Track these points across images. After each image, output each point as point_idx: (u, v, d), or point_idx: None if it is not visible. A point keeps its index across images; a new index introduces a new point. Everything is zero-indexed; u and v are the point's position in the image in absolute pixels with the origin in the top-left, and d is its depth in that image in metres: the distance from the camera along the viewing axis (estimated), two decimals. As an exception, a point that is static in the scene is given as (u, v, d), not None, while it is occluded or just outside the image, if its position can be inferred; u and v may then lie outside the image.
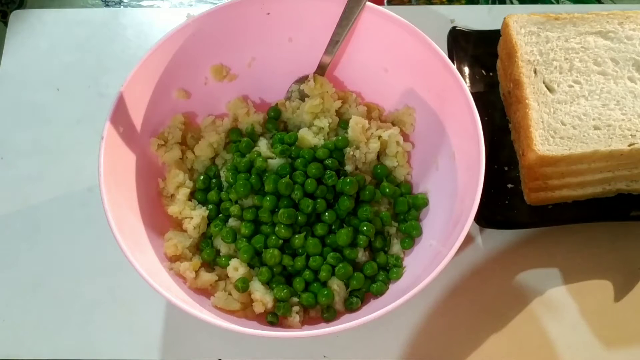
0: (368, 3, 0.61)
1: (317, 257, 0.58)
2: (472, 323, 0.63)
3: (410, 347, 0.62)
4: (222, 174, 0.64)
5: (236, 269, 0.58)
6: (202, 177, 0.64)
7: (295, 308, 0.57)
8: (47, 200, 0.69)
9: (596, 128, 0.61)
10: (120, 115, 0.57)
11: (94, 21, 0.80)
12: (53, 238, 0.67)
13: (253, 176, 0.60)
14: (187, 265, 0.57)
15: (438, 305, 0.64)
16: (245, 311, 0.58)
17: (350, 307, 0.58)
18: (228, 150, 0.66)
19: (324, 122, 0.64)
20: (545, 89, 0.64)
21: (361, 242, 0.59)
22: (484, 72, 0.72)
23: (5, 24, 0.80)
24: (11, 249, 0.67)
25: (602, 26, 0.66)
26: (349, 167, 0.62)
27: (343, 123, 0.66)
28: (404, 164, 0.65)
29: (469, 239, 0.66)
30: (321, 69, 0.65)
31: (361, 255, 0.60)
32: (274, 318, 0.57)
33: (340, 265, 0.58)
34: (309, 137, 0.62)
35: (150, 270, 0.52)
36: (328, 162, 0.60)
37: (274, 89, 0.68)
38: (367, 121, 0.63)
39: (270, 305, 0.57)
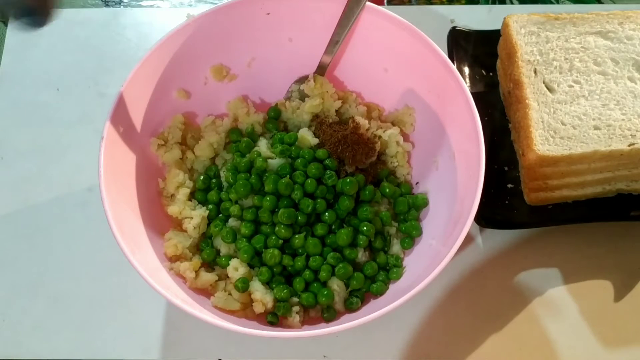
0: (368, 3, 0.61)
1: (317, 257, 0.58)
2: (472, 323, 0.63)
3: (410, 347, 0.62)
4: (222, 174, 0.64)
5: (236, 269, 0.58)
6: (202, 177, 0.64)
7: (295, 308, 0.57)
8: (47, 200, 0.69)
9: (596, 128, 0.61)
10: (120, 115, 0.57)
11: (94, 21, 0.80)
12: (53, 238, 0.67)
13: (253, 176, 0.60)
14: (187, 265, 0.57)
15: (438, 305, 0.64)
16: (245, 311, 0.58)
17: (350, 307, 0.58)
18: (228, 150, 0.66)
19: (324, 122, 0.64)
20: (545, 89, 0.64)
21: (361, 242, 0.59)
22: (484, 72, 0.72)
23: (5, 24, 0.80)
24: (11, 249, 0.67)
25: (602, 26, 0.67)
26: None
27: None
28: (404, 164, 0.65)
29: (469, 239, 0.66)
30: (321, 69, 0.65)
31: (361, 255, 0.60)
32: (274, 318, 0.57)
33: (340, 265, 0.58)
34: (309, 137, 0.62)
35: (150, 270, 0.52)
36: (328, 162, 0.60)
37: (274, 89, 0.68)
38: (367, 121, 0.64)
39: (270, 305, 0.57)
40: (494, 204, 0.64)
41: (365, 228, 0.59)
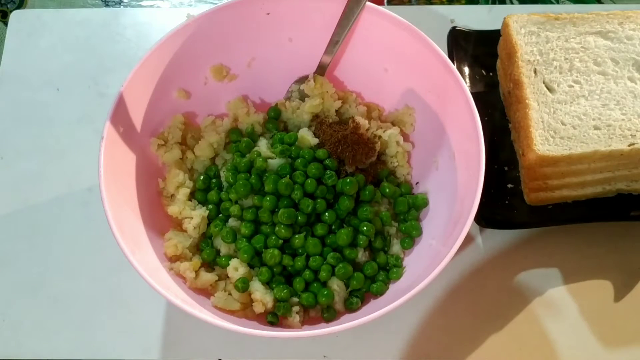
0: (368, 3, 0.61)
1: (317, 257, 0.58)
2: (472, 323, 0.63)
3: (410, 347, 0.62)
4: (222, 174, 0.64)
5: (236, 269, 0.58)
6: (202, 177, 0.64)
7: (295, 308, 0.57)
8: (47, 200, 0.69)
9: (596, 128, 0.61)
10: (120, 115, 0.57)
11: (94, 21, 0.80)
12: (53, 238, 0.67)
13: (253, 176, 0.60)
14: (187, 265, 0.57)
15: (438, 305, 0.64)
16: (245, 311, 0.58)
17: (350, 307, 0.58)
18: (228, 150, 0.66)
19: (324, 122, 0.64)
20: (545, 89, 0.64)
21: (361, 242, 0.59)
22: (484, 72, 0.72)
23: (5, 24, 0.81)
24: (11, 249, 0.67)
25: (602, 26, 0.66)
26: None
27: (343, 123, 0.66)
28: (404, 164, 0.65)
29: (469, 239, 0.66)
30: (321, 69, 0.65)
31: (361, 255, 0.60)
32: (274, 318, 0.57)
33: (340, 265, 0.58)
34: (309, 137, 0.62)
35: (150, 270, 0.52)
36: (328, 162, 0.60)
37: (274, 89, 0.68)
38: (367, 121, 0.64)
39: (270, 305, 0.57)
40: (494, 204, 0.64)
41: (365, 228, 0.59)
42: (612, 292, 0.64)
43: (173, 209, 0.61)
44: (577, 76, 0.64)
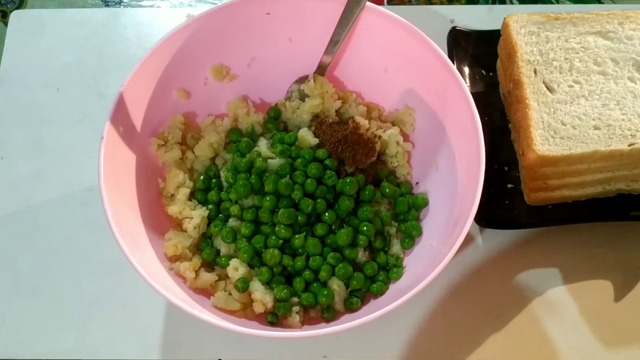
0: (368, 3, 0.61)
1: (317, 257, 0.58)
2: (472, 323, 0.63)
3: (410, 347, 0.62)
4: (222, 174, 0.64)
5: (236, 269, 0.58)
6: (202, 177, 0.64)
7: (295, 308, 0.57)
8: (47, 200, 0.69)
9: (596, 128, 0.61)
10: (120, 115, 0.57)
11: (94, 21, 0.80)
12: (53, 238, 0.67)
13: (253, 176, 0.60)
14: (187, 265, 0.57)
15: (438, 305, 0.64)
16: (245, 311, 0.58)
17: (350, 307, 0.58)
18: (228, 150, 0.66)
19: (324, 122, 0.64)
20: (545, 89, 0.64)
21: (361, 242, 0.59)
22: (484, 72, 0.72)
23: (5, 24, 0.81)
24: (11, 249, 0.67)
25: (602, 26, 0.67)
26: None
27: (343, 123, 0.66)
28: (404, 164, 0.65)
29: (469, 239, 0.66)
30: (321, 69, 0.65)
31: (361, 255, 0.60)
32: (274, 318, 0.57)
33: (340, 265, 0.58)
34: (309, 137, 0.62)
35: (150, 270, 0.52)
36: (328, 162, 0.60)
37: (274, 89, 0.68)
38: (367, 121, 0.64)
39: (270, 305, 0.57)
40: (494, 204, 0.64)
41: (365, 228, 0.59)
42: (612, 292, 0.64)
43: (173, 209, 0.61)
44: (577, 76, 0.64)
